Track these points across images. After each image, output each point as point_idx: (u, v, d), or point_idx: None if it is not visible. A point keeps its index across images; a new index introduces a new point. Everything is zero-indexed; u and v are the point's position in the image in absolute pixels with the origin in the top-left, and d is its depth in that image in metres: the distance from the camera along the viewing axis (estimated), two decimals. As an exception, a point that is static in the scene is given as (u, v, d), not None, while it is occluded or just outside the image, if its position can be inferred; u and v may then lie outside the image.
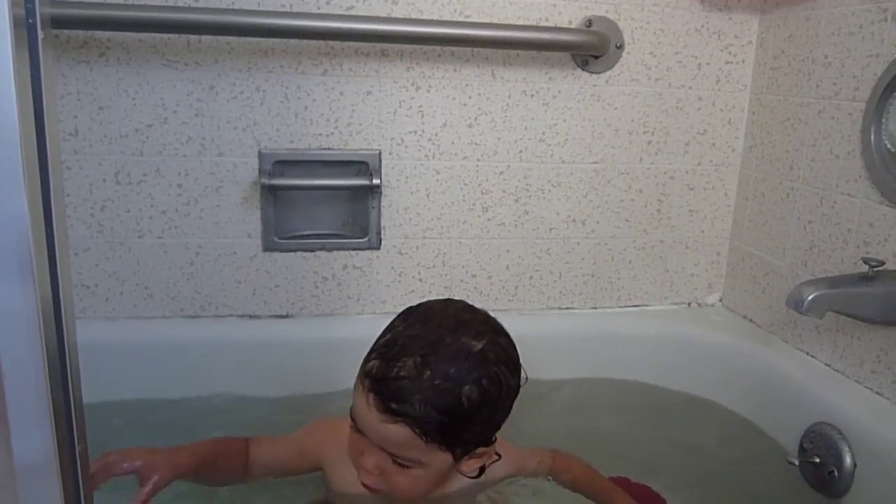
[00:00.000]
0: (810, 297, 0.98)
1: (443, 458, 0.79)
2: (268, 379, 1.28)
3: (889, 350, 1.07)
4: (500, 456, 0.87)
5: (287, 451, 0.92)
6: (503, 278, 1.43)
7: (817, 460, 1.07)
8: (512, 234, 1.41)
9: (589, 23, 1.32)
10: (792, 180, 1.29)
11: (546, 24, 1.31)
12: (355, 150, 1.31)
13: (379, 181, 1.30)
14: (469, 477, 0.85)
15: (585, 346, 1.41)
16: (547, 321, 1.43)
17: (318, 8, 1.23)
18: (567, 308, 1.47)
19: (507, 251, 1.42)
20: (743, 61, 1.40)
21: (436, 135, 1.33)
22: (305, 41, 1.24)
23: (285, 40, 1.24)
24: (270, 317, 1.36)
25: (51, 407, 0.44)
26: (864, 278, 1.02)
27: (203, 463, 0.84)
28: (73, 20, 1.13)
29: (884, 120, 1.07)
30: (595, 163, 1.40)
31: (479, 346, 0.78)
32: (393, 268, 1.38)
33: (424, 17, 1.27)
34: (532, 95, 1.35)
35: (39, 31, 0.42)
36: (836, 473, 1.04)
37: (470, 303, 0.86)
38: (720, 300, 1.53)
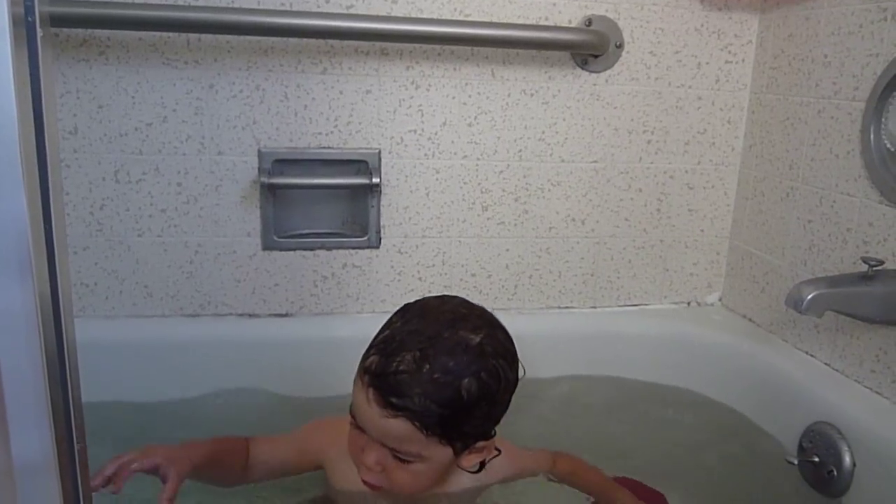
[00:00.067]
0: (810, 297, 0.98)
1: (443, 453, 0.79)
2: (267, 377, 1.28)
3: (888, 349, 1.07)
4: (499, 451, 0.87)
5: (287, 451, 0.92)
6: (503, 277, 1.43)
7: (816, 459, 1.07)
8: (511, 234, 1.41)
9: (589, 22, 1.32)
10: (791, 180, 1.29)
11: (546, 23, 1.31)
12: (355, 148, 1.31)
13: (378, 180, 1.30)
14: (469, 472, 0.85)
15: (585, 345, 1.41)
16: (546, 320, 1.43)
17: (318, 7, 1.23)
18: (566, 307, 1.47)
19: (507, 250, 1.42)
20: (743, 61, 1.40)
21: (435, 134, 1.33)
22: (305, 40, 1.24)
23: (285, 39, 1.24)
24: (270, 315, 1.36)
25: (50, 405, 0.44)
26: (864, 278, 1.02)
27: (211, 460, 0.84)
28: (73, 19, 1.13)
29: (883, 119, 1.07)
30: (595, 162, 1.40)
31: (476, 339, 0.79)
32: (392, 267, 1.38)
33: (424, 16, 1.27)
34: (532, 94, 1.34)
35: (38, 29, 0.42)
36: (835, 473, 1.04)
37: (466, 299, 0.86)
38: (720, 299, 1.53)
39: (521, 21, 1.30)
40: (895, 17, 1.06)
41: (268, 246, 1.32)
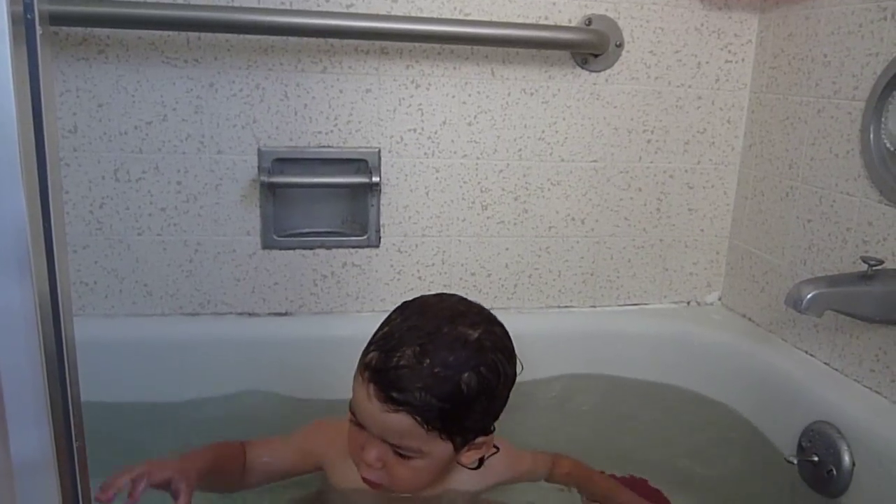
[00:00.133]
0: (809, 296, 0.98)
1: (444, 448, 0.80)
2: (267, 377, 1.28)
3: (888, 349, 1.07)
4: (497, 449, 0.87)
5: (287, 453, 0.92)
6: (502, 276, 1.43)
7: (816, 459, 1.07)
8: (511, 233, 1.41)
9: (588, 21, 1.32)
10: (791, 179, 1.29)
11: (546, 22, 1.31)
12: (355, 147, 1.31)
13: (378, 179, 1.30)
14: (469, 468, 0.86)
15: (584, 344, 1.41)
16: (546, 320, 1.43)
17: (318, 5, 1.23)
18: (566, 306, 1.47)
19: (507, 249, 1.42)
20: (742, 60, 1.40)
21: (435, 133, 1.33)
22: (305, 39, 1.24)
23: (285, 38, 1.23)
24: (270, 314, 1.36)
25: (49, 404, 0.44)
26: (863, 277, 1.02)
27: (213, 468, 0.84)
28: (73, 17, 1.13)
29: (883, 119, 1.07)
30: (594, 161, 1.40)
31: (475, 334, 0.80)
32: (392, 266, 1.38)
33: (424, 15, 1.27)
34: (531, 94, 1.34)
35: (38, 27, 0.42)
36: (834, 472, 1.04)
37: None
38: (719, 299, 1.53)
39: (520, 20, 1.30)
40: (895, 17, 1.06)
41: (267, 245, 1.32)
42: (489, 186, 1.37)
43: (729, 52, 1.39)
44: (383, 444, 0.79)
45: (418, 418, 0.76)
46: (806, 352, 1.24)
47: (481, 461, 0.86)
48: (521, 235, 1.41)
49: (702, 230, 1.48)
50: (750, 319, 1.41)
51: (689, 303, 1.52)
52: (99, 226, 1.27)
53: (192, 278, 1.32)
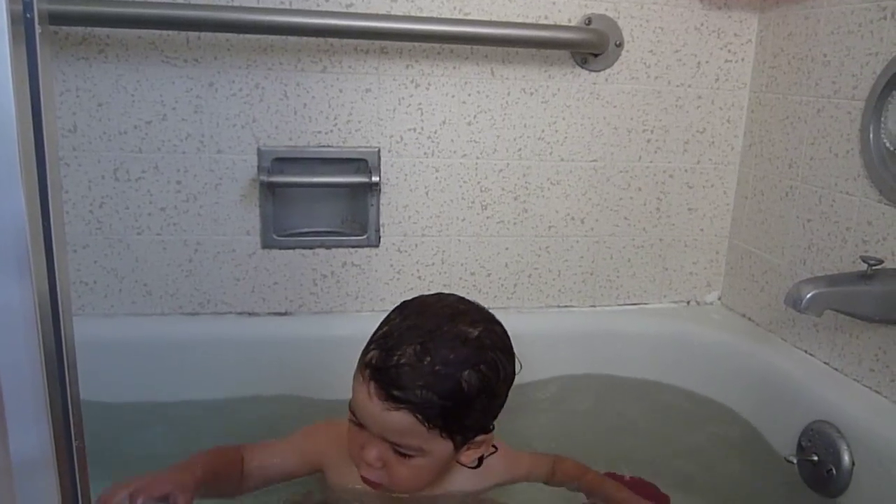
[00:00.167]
0: (809, 296, 0.98)
1: (444, 447, 0.80)
2: (266, 376, 1.28)
3: (887, 348, 1.07)
4: (496, 448, 0.87)
5: (287, 456, 0.91)
6: (502, 276, 1.43)
7: (815, 458, 1.07)
8: (511, 232, 1.41)
9: (588, 21, 1.32)
10: (791, 179, 1.29)
11: (545, 21, 1.31)
12: (354, 147, 1.31)
13: (378, 179, 1.30)
14: (468, 467, 0.86)
15: (584, 344, 1.41)
16: (546, 319, 1.43)
17: (318, 5, 1.23)
18: (566, 306, 1.47)
19: (506, 249, 1.41)
20: (742, 60, 1.40)
21: (435, 132, 1.33)
22: (305, 38, 1.24)
23: (285, 37, 1.23)
24: (269, 314, 1.36)
25: (48, 403, 0.44)
26: (863, 277, 1.02)
27: (210, 476, 0.83)
28: (72, 17, 1.12)
29: (883, 118, 1.07)
30: (594, 161, 1.40)
31: (475, 332, 0.80)
32: (392, 265, 1.38)
33: (424, 14, 1.27)
34: (531, 93, 1.34)
35: (37, 26, 0.42)
36: (834, 472, 1.04)
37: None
38: (719, 298, 1.53)
39: (520, 20, 1.30)
40: (895, 16, 1.06)
41: (267, 244, 1.32)
42: (489, 186, 1.37)
43: (729, 51, 1.39)
44: (383, 444, 0.79)
45: (419, 416, 0.76)
46: (806, 351, 1.24)
47: (481, 460, 0.86)
48: (521, 235, 1.41)
49: (701, 230, 1.48)
50: (750, 319, 1.41)
51: (688, 302, 1.52)
52: (98, 225, 1.27)
53: (191, 278, 1.32)
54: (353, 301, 1.38)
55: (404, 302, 0.85)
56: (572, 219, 1.42)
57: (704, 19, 1.37)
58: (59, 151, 1.22)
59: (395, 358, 0.76)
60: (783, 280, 1.31)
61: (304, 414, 1.24)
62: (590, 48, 1.31)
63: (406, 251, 1.37)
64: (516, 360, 0.84)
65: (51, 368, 0.44)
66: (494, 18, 1.29)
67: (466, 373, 0.77)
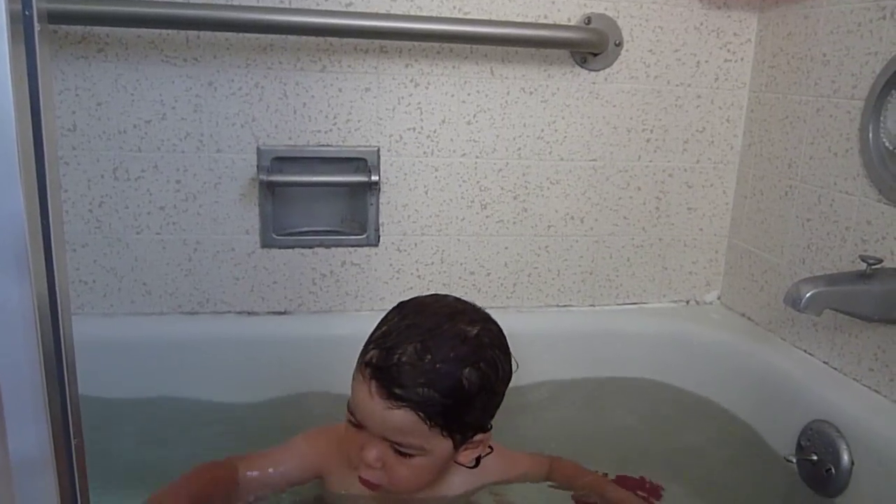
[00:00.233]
0: (808, 295, 0.98)
1: (444, 446, 0.80)
2: (266, 375, 1.28)
3: (887, 348, 1.07)
4: (491, 449, 0.87)
5: (285, 463, 0.90)
6: (501, 275, 1.43)
7: (815, 458, 1.07)
8: (510, 232, 1.41)
9: (588, 20, 1.32)
10: (790, 178, 1.29)
11: (545, 21, 1.31)
12: (354, 146, 1.31)
13: (377, 178, 1.30)
14: (467, 467, 0.86)
15: (583, 343, 1.41)
16: (545, 319, 1.43)
17: (317, 4, 1.23)
18: (565, 306, 1.47)
19: (506, 248, 1.41)
20: (742, 59, 1.40)
21: (434, 132, 1.33)
22: (304, 38, 1.24)
23: (284, 37, 1.23)
24: (268, 313, 1.36)
25: (47, 403, 0.44)
26: (862, 276, 1.02)
27: (201, 497, 0.81)
28: (72, 16, 1.12)
29: (882, 118, 1.07)
30: (594, 160, 1.40)
31: (474, 331, 0.81)
32: (391, 265, 1.38)
33: (423, 13, 1.27)
34: (531, 93, 1.34)
35: (36, 24, 0.42)
36: (833, 471, 1.04)
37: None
38: (718, 298, 1.53)
39: (520, 19, 1.30)
40: (894, 16, 1.06)
41: (266, 244, 1.32)
42: (488, 185, 1.37)
43: (728, 51, 1.39)
44: (383, 443, 0.79)
45: (421, 414, 0.76)
46: (805, 351, 1.24)
47: (478, 460, 0.86)
48: (521, 234, 1.41)
49: (701, 229, 1.49)
50: (749, 318, 1.41)
51: (688, 302, 1.52)
52: (98, 224, 1.27)
53: (191, 277, 1.31)
54: (352, 300, 1.38)
55: (401, 302, 0.86)
56: (572, 218, 1.42)
57: (704, 19, 1.37)
58: (59, 150, 1.22)
59: (396, 356, 0.77)
60: (782, 279, 1.31)
61: (303, 413, 1.25)
62: (589, 48, 1.31)
63: (405, 250, 1.37)
64: (513, 360, 0.85)
65: (50, 368, 0.44)
66: (494, 18, 1.29)
67: (467, 370, 0.78)
